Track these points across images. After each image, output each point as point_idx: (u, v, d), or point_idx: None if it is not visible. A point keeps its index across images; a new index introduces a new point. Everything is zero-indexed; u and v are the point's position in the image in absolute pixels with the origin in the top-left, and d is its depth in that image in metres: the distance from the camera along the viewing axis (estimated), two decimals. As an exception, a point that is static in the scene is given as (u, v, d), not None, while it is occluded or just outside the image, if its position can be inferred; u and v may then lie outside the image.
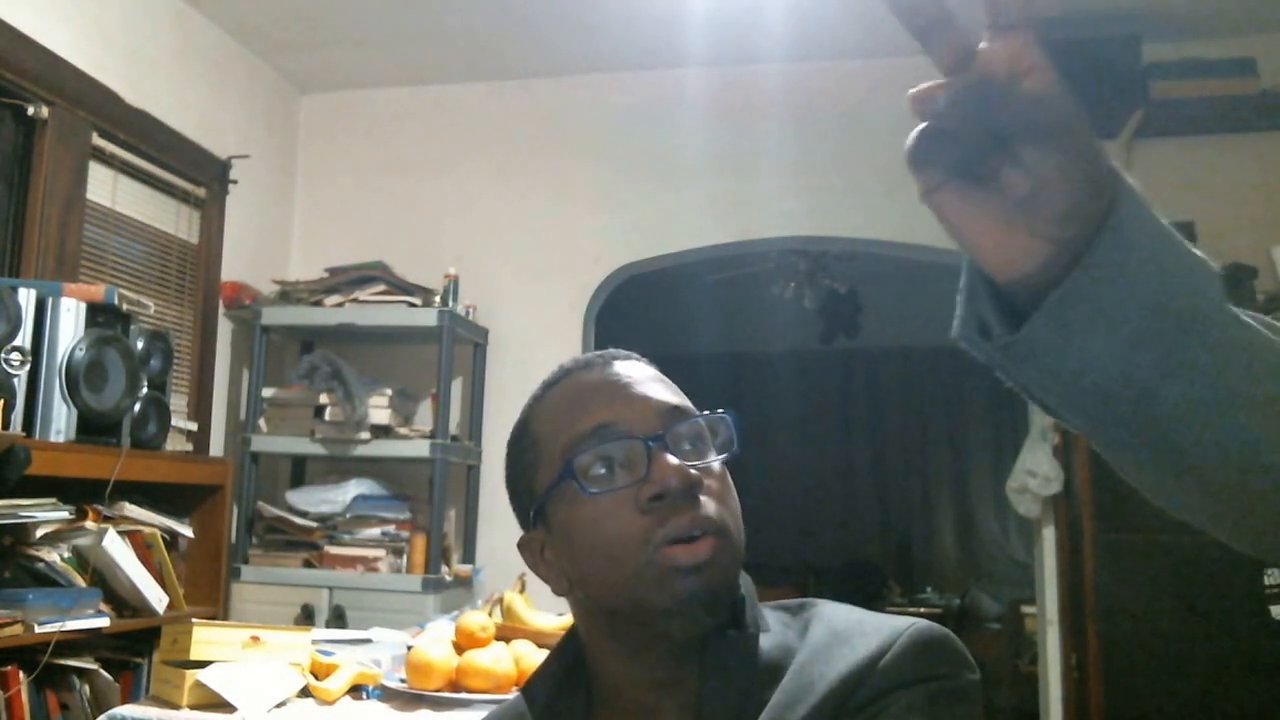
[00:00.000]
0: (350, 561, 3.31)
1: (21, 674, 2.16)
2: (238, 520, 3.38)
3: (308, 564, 3.35)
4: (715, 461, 0.80)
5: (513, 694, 1.37)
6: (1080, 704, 3.07)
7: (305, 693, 1.66)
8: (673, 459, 0.76)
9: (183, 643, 1.70)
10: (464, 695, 1.62)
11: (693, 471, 0.76)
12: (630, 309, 4.50)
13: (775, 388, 7.32)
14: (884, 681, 0.71)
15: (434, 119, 3.98)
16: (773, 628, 0.80)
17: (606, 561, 0.76)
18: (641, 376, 0.83)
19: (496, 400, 3.70)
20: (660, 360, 0.88)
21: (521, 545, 0.85)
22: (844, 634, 0.76)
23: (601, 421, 0.78)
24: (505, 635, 1.79)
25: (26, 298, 2.36)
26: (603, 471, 0.77)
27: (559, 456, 0.79)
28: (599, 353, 0.86)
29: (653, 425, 0.78)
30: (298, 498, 3.45)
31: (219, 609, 2.92)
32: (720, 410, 0.82)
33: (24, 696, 2.16)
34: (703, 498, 0.76)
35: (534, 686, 0.85)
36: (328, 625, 3.12)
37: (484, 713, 1.07)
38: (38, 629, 2.15)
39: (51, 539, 2.36)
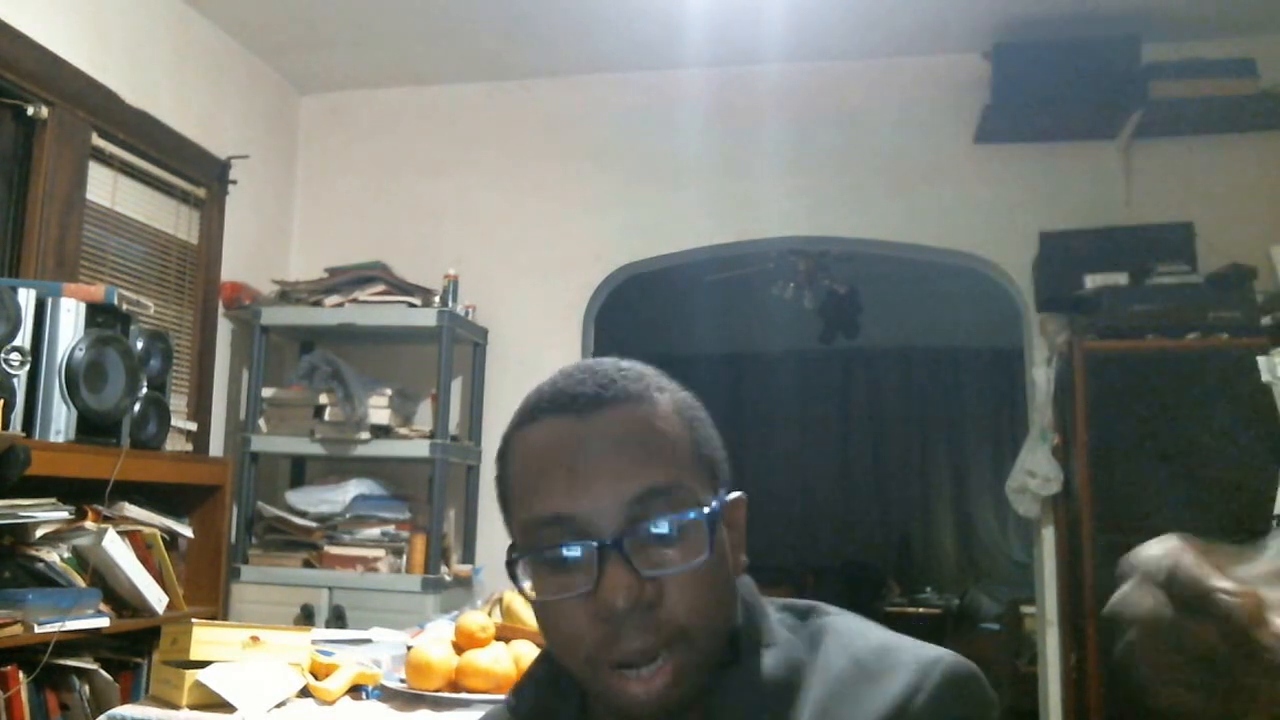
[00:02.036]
0: (350, 561, 3.31)
1: (21, 674, 2.16)
2: (237, 520, 3.38)
3: (307, 564, 3.35)
4: (682, 569, 0.71)
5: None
6: (1080, 704, 3.07)
7: (305, 693, 1.66)
8: (624, 575, 0.69)
9: (182, 643, 1.70)
10: (464, 695, 1.62)
11: (648, 587, 0.70)
12: (630, 309, 4.50)
13: (775, 388, 7.32)
14: None
15: (434, 119, 3.98)
16: (778, 639, 0.77)
17: (563, 651, 0.74)
18: (615, 442, 0.73)
19: (496, 400, 3.70)
20: (660, 361, 0.83)
21: (507, 565, 0.79)
22: (867, 666, 0.72)
23: (559, 512, 0.72)
24: (505, 635, 1.79)
25: (26, 298, 2.36)
26: (559, 567, 0.72)
27: (519, 531, 0.75)
28: (581, 382, 0.76)
29: (611, 521, 0.70)
30: (297, 498, 3.45)
31: (219, 609, 2.92)
32: (694, 511, 0.72)
33: (24, 696, 2.16)
34: (666, 602, 0.70)
35: (521, 690, 0.84)
36: (327, 625, 3.11)
37: (483, 713, 1.06)
38: (38, 629, 2.15)
39: (51, 539, 2.36)
